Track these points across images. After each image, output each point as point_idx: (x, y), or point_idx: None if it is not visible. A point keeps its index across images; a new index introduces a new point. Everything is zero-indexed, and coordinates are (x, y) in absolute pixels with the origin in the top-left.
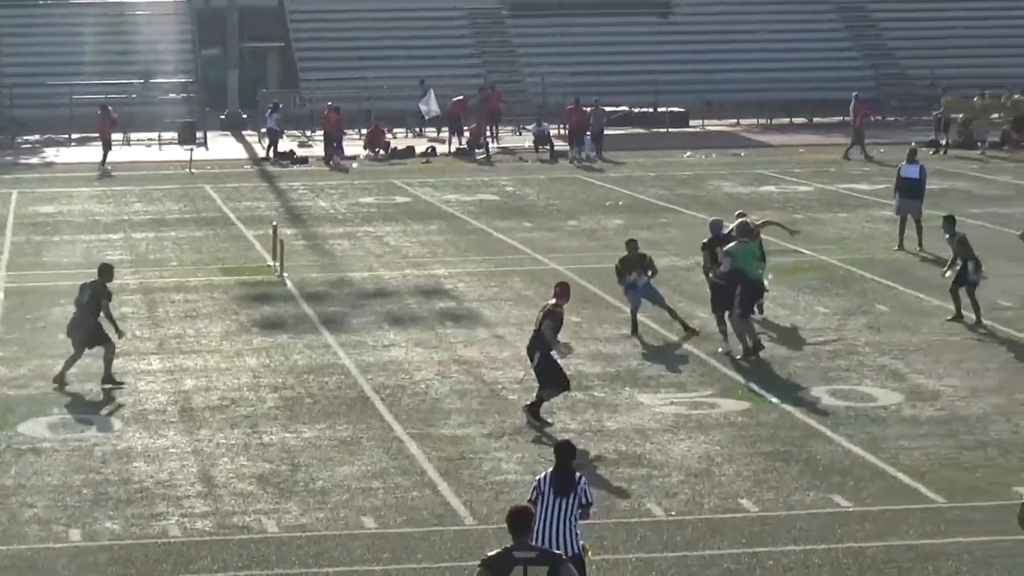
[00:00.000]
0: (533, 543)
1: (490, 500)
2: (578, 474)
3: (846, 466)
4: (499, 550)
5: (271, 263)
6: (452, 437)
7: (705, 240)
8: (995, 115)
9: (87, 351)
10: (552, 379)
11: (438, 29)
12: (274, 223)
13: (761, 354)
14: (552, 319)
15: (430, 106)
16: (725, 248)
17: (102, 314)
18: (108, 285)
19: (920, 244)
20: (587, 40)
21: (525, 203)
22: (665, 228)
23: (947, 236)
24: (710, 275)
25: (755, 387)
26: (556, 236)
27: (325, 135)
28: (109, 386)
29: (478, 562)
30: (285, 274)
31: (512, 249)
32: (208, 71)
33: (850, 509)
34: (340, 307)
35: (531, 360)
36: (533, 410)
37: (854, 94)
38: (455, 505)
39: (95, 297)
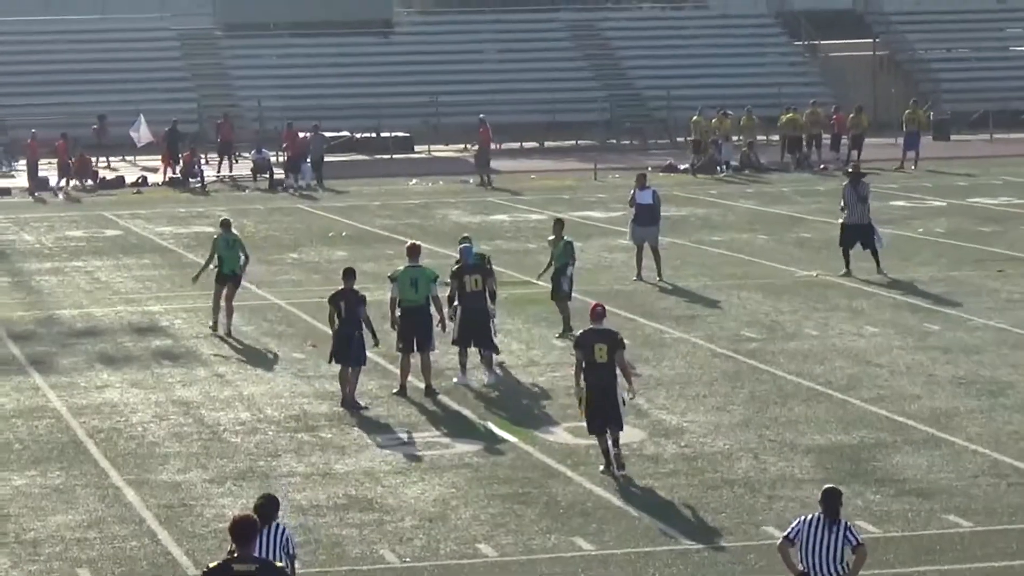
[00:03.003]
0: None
1: (213, 548)
2: (277, 524)
3: (588, 507)
4: (219, 561)
5: None
6: (172, 483)
7: (455, 267)
8: (736, 137)
9: None
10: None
11: (148, 51)
12: None
13: (495, 391)
14: (622, 348)
15: (140, 133)
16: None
17: None
18: None
19: (659, 274)
20: (306, 62)
21: (243, 235)
22: (391, 260)
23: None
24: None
25: (491, 426)
26: (277, 269)
27: (28, 164)
28: None
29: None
30: None
31: None
32: None
33: (592, 552)
34: (49, 347)
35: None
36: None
37: (480, 116)
38: (176, 555)
39: None
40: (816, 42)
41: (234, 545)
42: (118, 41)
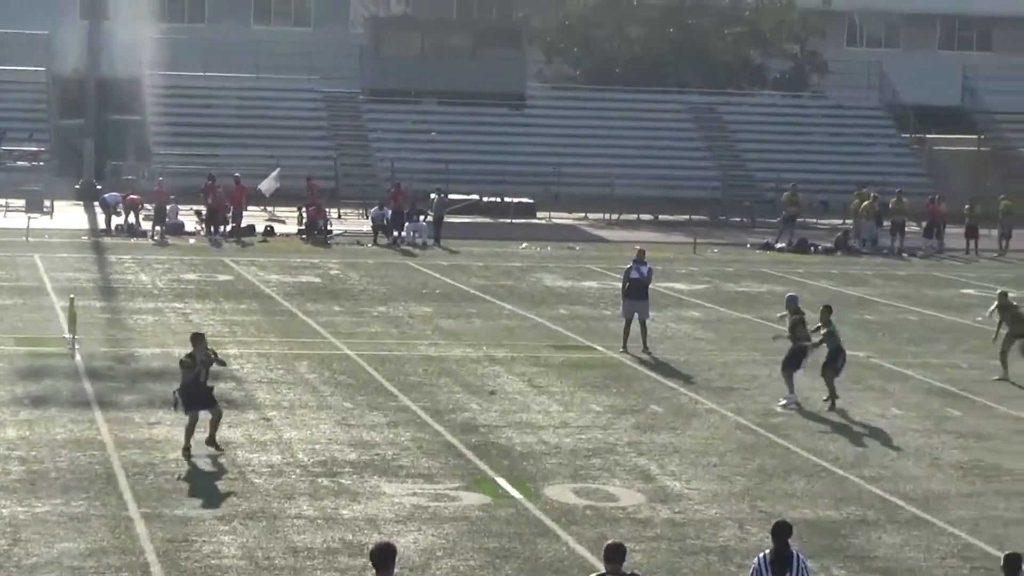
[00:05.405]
0: None
1: None
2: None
3: (565, 565)
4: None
5: (67, 335)
6: (183, 518)
7: (787, 314)
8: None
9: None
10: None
11: (295, 111)
12: (71, 296)
13: (520, 448)
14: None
15: (268, 184)
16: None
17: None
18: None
19: (644, 346)
20: (441, 128)
21: (343, 287)
22: (469, 318)
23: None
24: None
25: (501, 482)
26: (360, 321)
27: (156, 210)
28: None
29: None
30: (77, 347)
31: (312, 332)
32: (67, 140)
33: None
34: (120, 383)
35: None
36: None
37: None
38: None
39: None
40: (923, 135)
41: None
42: (268, 100)
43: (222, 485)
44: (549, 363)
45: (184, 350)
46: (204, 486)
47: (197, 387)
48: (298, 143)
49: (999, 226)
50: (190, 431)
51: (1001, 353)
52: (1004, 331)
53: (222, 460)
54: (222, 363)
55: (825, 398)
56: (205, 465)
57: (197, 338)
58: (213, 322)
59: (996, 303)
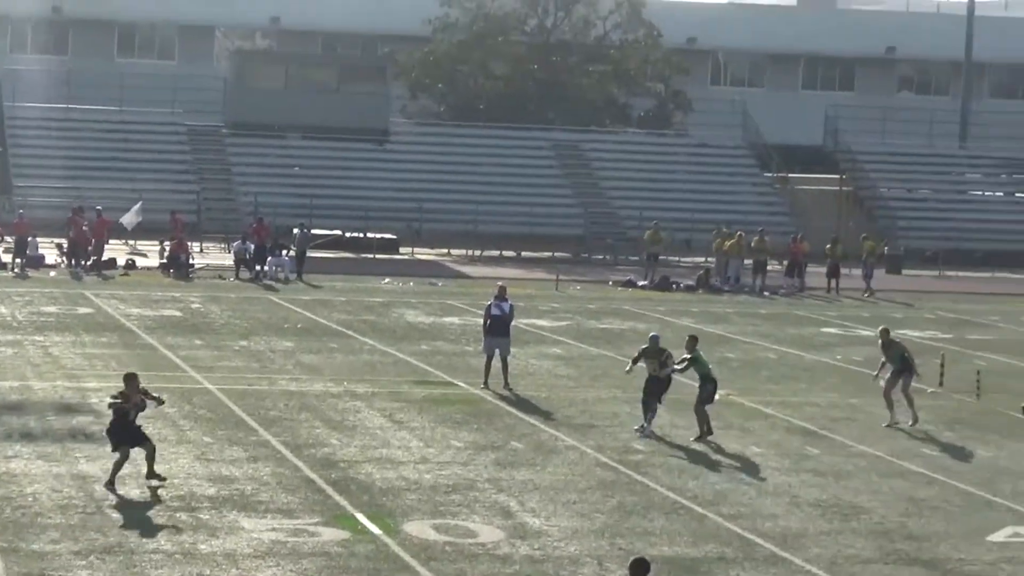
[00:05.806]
0: None
1: None
2: None
3: None
4: None
5: None
6: (40, 553)
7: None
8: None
9: None
10: None
11: (158, 144)
12: None
13: (380, 484)
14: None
15: (129, 218)
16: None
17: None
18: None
19: (506, 383)
20: (304, 163)
21: (205, 320)
22: (331, 353)
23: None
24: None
25: (360, 518)
26: (221, 355)
27: (16, 243)
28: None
29: None
30: None
31: (172, 366)
32: None
33: None
34: None
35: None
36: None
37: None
38: None
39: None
40: (785, 174)
41: None
42: (131, 133)
43: (79, 519)
44: (410, 399)
45: (40, 383)
46: (61, 521)
47: (125, 426)
48: (161, 176)
49: (862, 266)
50: (118, 466)
51: (885, 393)
52: (888, 369)
53: (80, 493)
54: (160, 401)
55: (695, 437)
56: (62, 499)
57: (130, 378)
58: (73, 355)
59: (879, 340)
